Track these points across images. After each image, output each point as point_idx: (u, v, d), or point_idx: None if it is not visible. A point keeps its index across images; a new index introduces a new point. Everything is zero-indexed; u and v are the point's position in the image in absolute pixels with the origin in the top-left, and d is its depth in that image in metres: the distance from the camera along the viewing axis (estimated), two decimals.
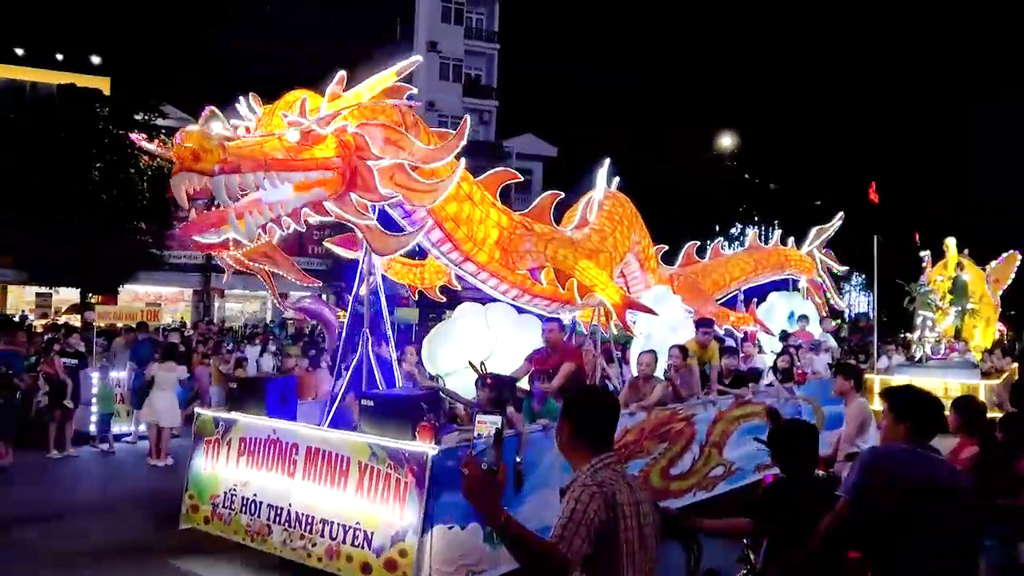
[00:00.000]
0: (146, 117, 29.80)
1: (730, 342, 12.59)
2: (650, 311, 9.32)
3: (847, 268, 15.15)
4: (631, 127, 47.02)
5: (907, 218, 25.92)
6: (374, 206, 7.53)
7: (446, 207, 7.98)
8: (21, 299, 33.91)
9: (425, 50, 46.79)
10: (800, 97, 51.76)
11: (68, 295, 31.78)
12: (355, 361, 7.77)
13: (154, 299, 33.16)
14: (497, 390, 7.11)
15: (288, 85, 7.22)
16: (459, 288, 9.48)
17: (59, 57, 36.42)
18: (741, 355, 12.64)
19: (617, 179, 11.40)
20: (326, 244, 8.59)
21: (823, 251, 14.91)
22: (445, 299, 9.70)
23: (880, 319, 19.93)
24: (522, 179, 9.15)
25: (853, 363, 10.34)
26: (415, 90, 7.60)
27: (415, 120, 7.47)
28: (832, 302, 15.16)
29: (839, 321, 15.35)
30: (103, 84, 33.06)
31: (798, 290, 14.76)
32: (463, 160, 7.46)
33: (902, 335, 20.27)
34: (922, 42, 54.38)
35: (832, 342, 13.55)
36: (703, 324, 10.24)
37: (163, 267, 32.18)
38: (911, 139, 47.98)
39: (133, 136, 8.04)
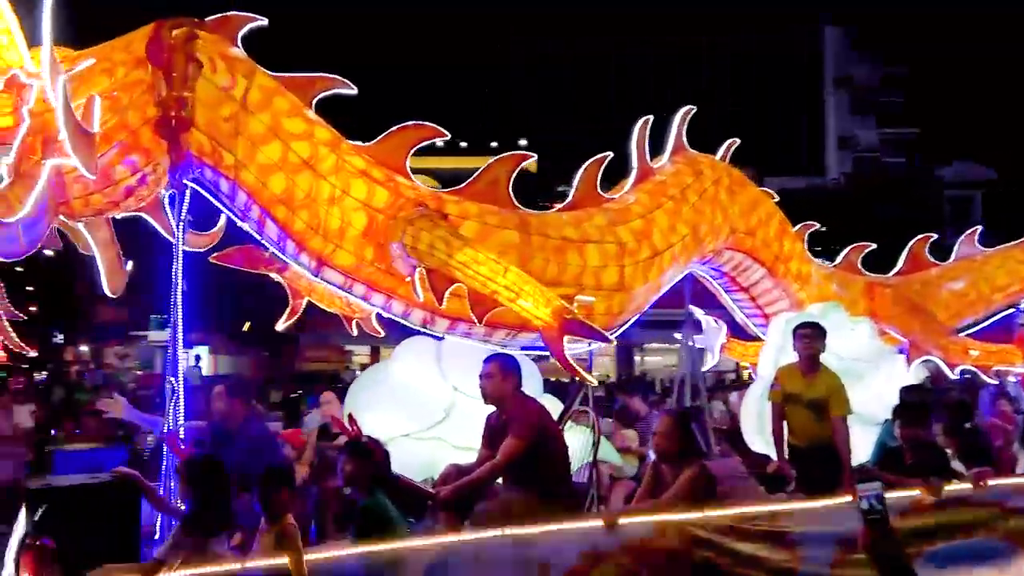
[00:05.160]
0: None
1: (989, 393, 7.31)
2: (604, 339, 5.32)
3: None
4: None
5: None
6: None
7: (269, 183, 5.33)
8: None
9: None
10: None
11: None
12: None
13: None
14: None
15: None
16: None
17: (493, 144, 40.40)
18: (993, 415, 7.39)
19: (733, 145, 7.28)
20: (213, 260, 6.44)
21: None
22: (382, 333, 6.70)
23: None
24: (448, 136, 5.74)
25: None
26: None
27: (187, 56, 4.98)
28: None
29: None
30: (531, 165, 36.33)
31: None
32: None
33: None
34: None
35: None
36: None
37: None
38: None
39: None
